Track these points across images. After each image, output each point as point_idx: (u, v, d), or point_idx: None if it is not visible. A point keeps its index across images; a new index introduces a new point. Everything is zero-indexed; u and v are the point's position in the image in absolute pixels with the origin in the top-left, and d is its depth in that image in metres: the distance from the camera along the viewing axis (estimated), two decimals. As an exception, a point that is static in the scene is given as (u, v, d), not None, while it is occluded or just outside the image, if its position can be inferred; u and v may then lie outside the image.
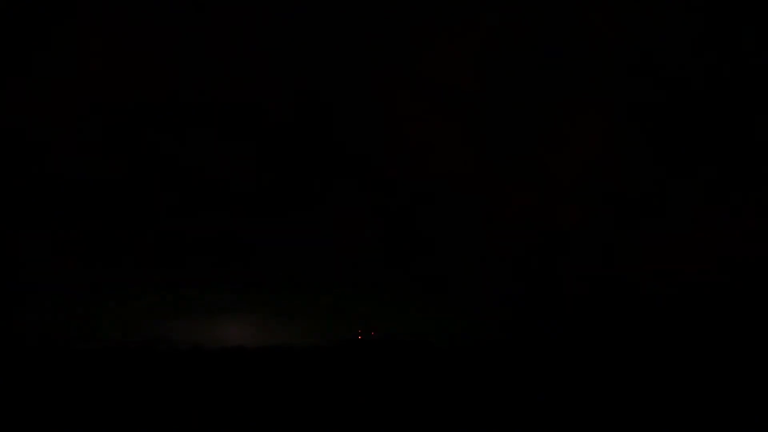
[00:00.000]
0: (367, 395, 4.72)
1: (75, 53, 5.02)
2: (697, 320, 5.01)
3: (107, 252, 4.99)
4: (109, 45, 5.04)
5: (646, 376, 4.80)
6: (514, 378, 4.81)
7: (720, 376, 4.78)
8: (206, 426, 4.50)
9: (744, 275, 5.06)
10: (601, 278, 5.11)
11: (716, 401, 4.64)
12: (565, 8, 5.15)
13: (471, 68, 5.17)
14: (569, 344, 4.97)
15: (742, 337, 4.93)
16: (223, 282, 5.02)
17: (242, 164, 5.09)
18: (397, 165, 5.15)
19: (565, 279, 5.12)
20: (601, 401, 4.67)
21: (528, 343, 4.99)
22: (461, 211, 5.16)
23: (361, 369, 4.85)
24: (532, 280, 5.12)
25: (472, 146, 5.17)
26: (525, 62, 5.18)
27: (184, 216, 5.04)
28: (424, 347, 4.97)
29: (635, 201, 5.15)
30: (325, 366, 4.84)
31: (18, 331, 4.85)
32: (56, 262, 4.94)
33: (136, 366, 4.78)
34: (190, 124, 5.08)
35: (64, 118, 5.01)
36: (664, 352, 4.91)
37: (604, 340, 4.98)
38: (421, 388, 4.75)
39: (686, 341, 4.95)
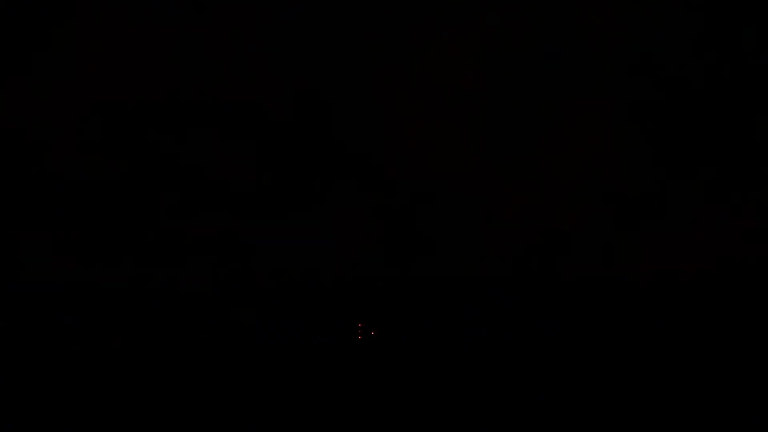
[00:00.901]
0: (367, 395, 4.72)
1: (75, 53, 5.02)
2: (697, 320, 5.01)
3: (107, 252, 4.99)
4: (109, 45, 5.04)
5: (646, 375, 4.80)
6: (515, 378, 4.81)
7: (720, 376, 4.79)
8: (205, 426, 4.51)
9: (744, 275, 5.06)
10: (601, 278, 5.11)
11: (716, 401, 4.65)
12: (565, 8, 5.16)
13: (471, 68, 5.17)
14: (569, 344, 4.98)
15: (742, 337, 4.94)
16: (223, 281, 5.02)
17: (242, 164, 5.10)
18: (397, 165, 5.15)
19: (565, 279, 5.13)
20: (601, 401, 4.67)
21: (528, 343, 4.99)
22: (461, 211, 5.16)
23: (361, 369, 4.85)
24: (532, 280, 5.12)
25: (472, 146, 5.17)
26: (525, 62, 5.18)
27: (184, 216, 5.05)
28: (424, 347, 4.98)
29: (635, 201, 5.16)
30: (324, 366, 4.85)
31: (18, 330, 4.85)
32: (56, 262, 4.95)
33: (135, 365, 4.79)
34: (190, 124, 5.08)
35: (64, 118, 5.02)
36: (664, 352, 4.91)
37: (604, 340, 4.99)
38: (421, 388, 4.75)
39: (686, 341, 4.96)
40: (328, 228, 5.10)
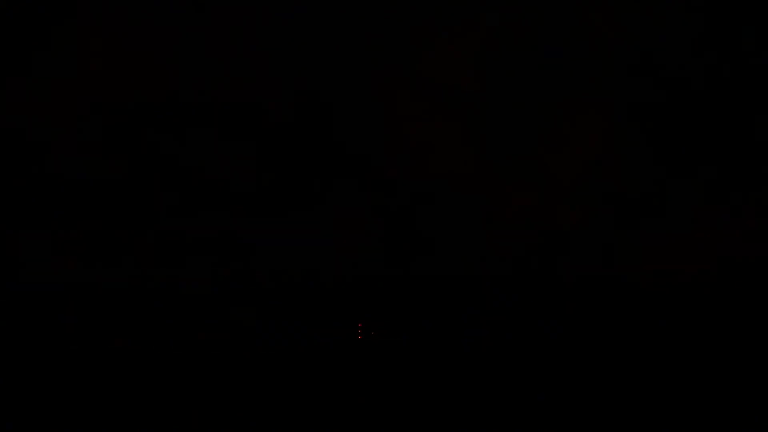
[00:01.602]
0: (367, 395, 4.72)
1: (75, 53, 5.02)
2: (697, 320, 5.01)
3: (107, 252, 4.99)
4: (109, 45, 5.04)
5: (646, 376, 4.80)
6: (515, 378, 4.81)
7: (720, 376, 4.79)
8: (205, 426, 4.51)
9: (744, 275, 5.06)
10: (601, 278, 5.12)
11: (716, 401, 4.65)
12: (565, 8, 5.16)
13: (471, 68, 5.17)
14: (569, 344, 4.98)
15: (742, 337, 4.94)
16: (223, 281, 5.03)
17: (242, 164, 5.10)
18: (397, 165, 5.15)
19: (565, 279, 5.13)
20: (601, 401, 4.67)
21: (528, 343, 4.99)
22: (461, 211, 5.17)
23: (361, 369, 4.85)
24: (532, 280, 5.12)
25: (472, 146, 5.17)
26: (525, 62, 5.18)
27: (184, 216, 5.05)
28: (424, 347, 4.98)
29: (635, 201, 5.16)
30: (324, 366, 4.85)
31: (18, 330, 4.85)
32: (56, 262, 4.95)
33: (135, 365, 4.79)
34: (190, 124, 5.08)
35: (64, 118, 5.02)
36: (664, 352, 4.91)
37: (604, 340, 4.99)
38: (420, 388, 4.75)
39: (686, 341, 4.96)
40: (328, 228, 5.10)
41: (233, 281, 5.03)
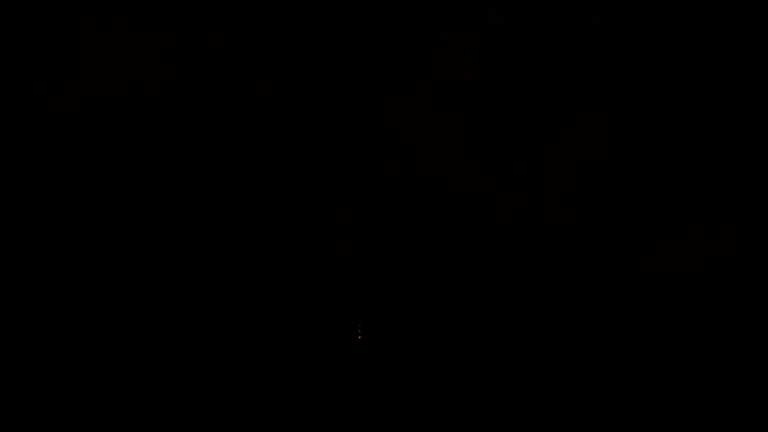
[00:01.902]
0: (367, 395, 4.72)
1: (75, 53, 5.02)
2: (697, 320, 5.01)
3: (107, 252, 4.99)
4: (109, 45, 5.04)
5: (646, 376, 4.80)
6: (515, 378, 4.81)
7: (720, 375, 4.79)
8: (205, 426, 4.51)
9: (744, 275, 5.06)
10: (601, 278, 5.12)
11: (716, 401, 4.65)
12: (565, 8, 5.16)
13: (471, 68, 5.17)
14: (569, 344, 4.98)
15: (742, 337, 4.94)
16: (223, 281, 5.03)
17: (242, 164, 5.10)
18: (397, 165, 5.15)
19: (565, 279, 5.13)
20: (601, 401, 4.67)
21: (528, 343, 4.99)
22: (461, 211, 5.16)
23: (361, 369, 4.85)
24: (532, 280, 5.12)
25: (472, 146, 5.17)
26: (525, 62, 5.18)
27: (184, 216, 5.05)
28: (424, 347, 4.98)
29: (635, 201, 5.16)
30: (324, 366, 4.85)
31: (18, 330, 4.85)
32: (56, 262, 4.95)
33: (135, 365, 4.79)
34: (190, 124, 5.08)
35: (64, 118, 5.02)
36: (664, 352, 4.91)
37: (604, 340, 4.99)
38: (420, 388, 4.75)
39: (686, 341, 4.96)
40: (328, 228, 5.10)
41: (233, 281, 5.03)
